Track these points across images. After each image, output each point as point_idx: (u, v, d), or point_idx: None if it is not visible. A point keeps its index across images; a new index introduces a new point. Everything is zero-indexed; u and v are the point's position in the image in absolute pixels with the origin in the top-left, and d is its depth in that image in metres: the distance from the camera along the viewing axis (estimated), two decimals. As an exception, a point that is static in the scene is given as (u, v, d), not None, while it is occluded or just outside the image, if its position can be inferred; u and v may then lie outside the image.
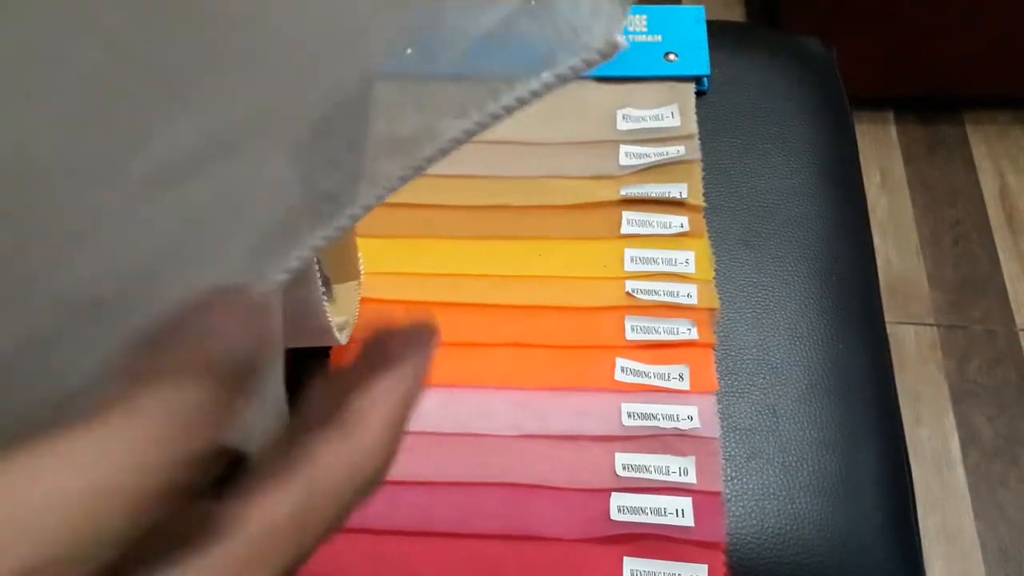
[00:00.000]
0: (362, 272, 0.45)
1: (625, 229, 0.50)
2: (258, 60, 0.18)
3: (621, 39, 0.18)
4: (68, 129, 0.17)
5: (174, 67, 0.17)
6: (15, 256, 0.18)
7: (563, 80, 0.19)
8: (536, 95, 0.19)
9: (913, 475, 0.48)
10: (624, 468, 0.42)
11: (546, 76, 0.18)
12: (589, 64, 0.18)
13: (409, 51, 0.19)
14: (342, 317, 0.42)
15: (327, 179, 0.20)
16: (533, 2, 0.18)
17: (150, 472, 0.16)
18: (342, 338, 0.42)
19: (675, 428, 0.43)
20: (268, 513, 0.17)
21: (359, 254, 0.45)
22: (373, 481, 0.20)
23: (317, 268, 0.34)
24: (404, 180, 0.20)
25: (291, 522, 0.18)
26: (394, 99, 0.19)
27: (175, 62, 0.17)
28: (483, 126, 0.19)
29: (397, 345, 0.21)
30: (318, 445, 0.19)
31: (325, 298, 0.37)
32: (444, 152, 0.20)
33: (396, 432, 0.20)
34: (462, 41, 0.19)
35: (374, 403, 0.20)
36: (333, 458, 0.19)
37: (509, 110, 0.19)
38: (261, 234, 0.20)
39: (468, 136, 0.20)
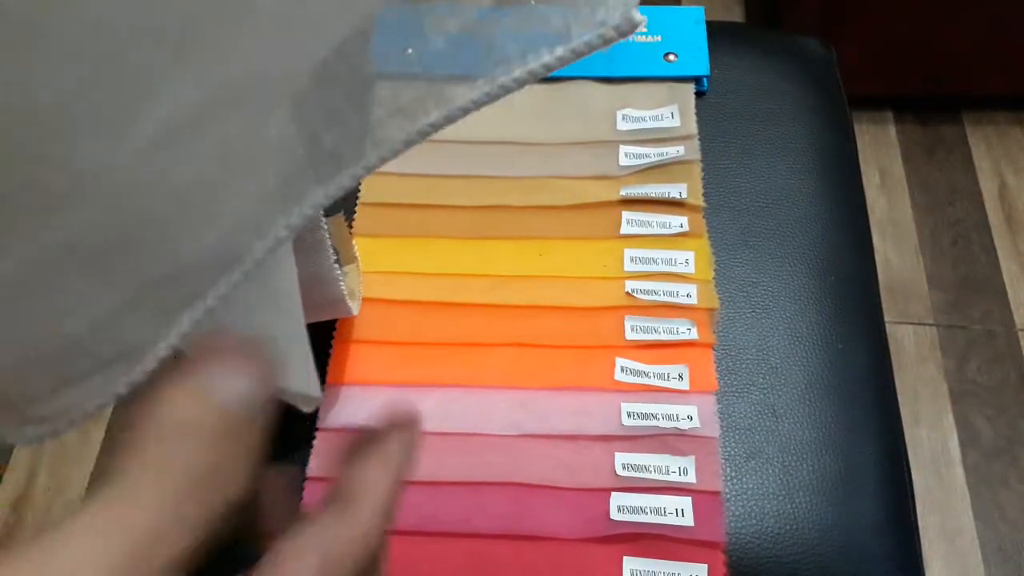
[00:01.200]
0: (358, 257, 0.46)
1: (625, 229, 0.50)
2: (257, 10, 0.18)
3: (638, 15, 0.18)
4: (76, 83, 0.17)
5: (176, 24, 0.17)
6: (19, 196, 0.18)
7: (577, 55, 0.18)
8: (549, 68, 0.19)
9: (912, 475, 0.48)
10: (624, 468, 0.42)
11: (560, 51, 0.18)
12: (606, 40, 0.18)
13: (416, 22, 0.19)
14: (351, 287, 0.42)
15: (329, 135, 0.20)
16: None
17: (175, 534, 0.19)
18: (354, 308, 0.42)
19: (675, 428, 0.43)
20: None
21: (353, 241, 0.46)
22: (368, 558, 0.22)
23: (328, 238, 0.35)
24: (408, 144, 0.20)
25: None
26: (401, 63, 0.19)
27: (177, 18, 0.17)
28: (492, 96, 0.19)
29: (385, 436, 0.24)
30: (325, 523, 0.23)
31: (338, 268, 0.38)
32: (450, 119, 0.20)
33: (387, 514, 0.23)
34: (473, 11, 0.19)
35: (367, 489, 0.23)
36: (337, 534, 0.22)
37: (520, 82, 0.19)
38: (265, 189, 0.20)
39: (476, 105, 0.19)
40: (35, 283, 0.20)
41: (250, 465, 0.20)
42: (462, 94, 0.19)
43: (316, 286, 0.37)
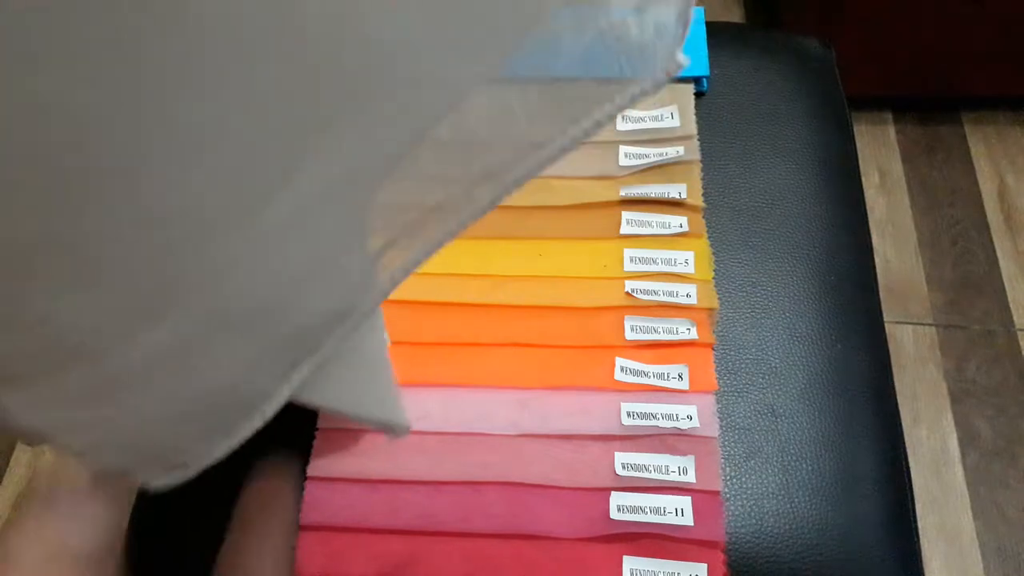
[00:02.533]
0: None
1: (625, 229, 0.50)
2: (378, 101, 0.19)
3: (683, 57, 0.19)
4: (222, 185, 0.19)
5: (312, 117, 0.19)
6: (171, 281, 0.21)
7: (634, 100, 0.20)
8: (611, 117, 0.20)
9: (912, 475, 0.48)
10: (623, 467, 0.42)
11: (619, 99, 0.20)
12: (658, 86, 0.19)
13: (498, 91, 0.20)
14: None
15: (417, 207, 0.22)
16: (606, 25, 0.19)
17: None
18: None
19: (674, 427, 0.43)
20: None
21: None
22: None
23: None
24: (494, 204, 0.22)
25: None
26: (485, 134, 0.21)
27: (316, 112, 0.19)
28: (565, 149, 0.21)
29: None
30: None
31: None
32: (531, 175, 0.21)
33: None
34: (547, 71, 0.20)
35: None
36: None
37: (588, 133, 0.20)
38: (371, 250, 0.22)
39: (552, 159, 0.21)
40: (188, 347, 0.22)
41: None
42: (539, 155, 0.21)
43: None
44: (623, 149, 0.53)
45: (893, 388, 0.50)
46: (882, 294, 0.54)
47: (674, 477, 0.42)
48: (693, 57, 0.57)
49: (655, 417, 0.44)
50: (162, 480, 0.26)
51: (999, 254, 1.10)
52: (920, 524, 0.47)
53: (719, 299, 0.48)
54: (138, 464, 0.26)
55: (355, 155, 0.20)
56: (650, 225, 0.50)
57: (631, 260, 0.49)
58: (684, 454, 0.42)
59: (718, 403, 0.45)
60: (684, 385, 0.45)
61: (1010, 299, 1.07)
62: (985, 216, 1.13)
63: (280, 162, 0.19)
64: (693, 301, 0.47)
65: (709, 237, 0.50)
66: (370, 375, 0.32)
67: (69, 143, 0.17)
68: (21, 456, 0.98)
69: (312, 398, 0.29)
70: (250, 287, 0.22)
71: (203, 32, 0.16)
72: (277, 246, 0.21)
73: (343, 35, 0.18)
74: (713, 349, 0.46)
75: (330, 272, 0.22)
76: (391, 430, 0.35)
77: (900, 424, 0.49)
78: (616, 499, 0.41)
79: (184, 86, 0.17)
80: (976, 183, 1.16)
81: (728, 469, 0.43)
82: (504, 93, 0.20)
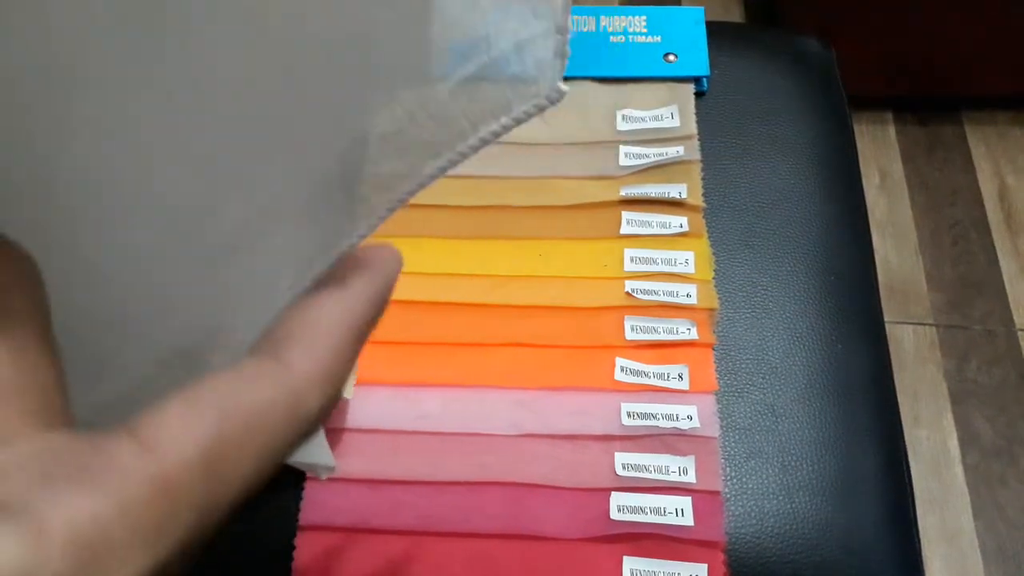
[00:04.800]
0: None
1: (625, 229, 0.50)
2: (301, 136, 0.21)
3: (564, 86, 0.22)
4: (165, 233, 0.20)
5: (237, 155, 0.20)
6: (115, 323, 0.21)
7: (518, 122, 0.23)
8: (496, 135, 0.23)
9: (912, 475, 0.48)
10: (624, 467, 0.42)
11: (504, 120, 0.22)
12: (540, 108, 0.22)
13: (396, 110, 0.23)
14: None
15: (331, 222, 0.23)
16: (488, 59, 0.22)
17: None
18: (347, 393, 0.42)
19: (675, 428, 0.43)
20: (175, 446, 0.15)
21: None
22: (315, 412, 0.17)
23: None
24: (391, 211, 0.23)
25: (201, 456, 0.15)
26: (379, 147, 0.23)
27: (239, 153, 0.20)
28: (453, 163, 0.23)
29: (351, 267, 0.20)
30: (239, 374, 0.17)
31: None
32: (422, 186, 0.23)
33: (341, 358, 0.18)
34: (436, 97, 0.22)
35: (310, 330, 0.18)
36: (256, 387, 0.16)
37: (474, 148, 0.23)
38: (291, 278, 0.23)
39: (441, 172, 0.23)
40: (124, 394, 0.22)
41: None
42: (430, 164, 0.23)
43: None
44: (623, 149, 0.53)
45: (893, 388, 0.50)
46: (882, 294, 0.54)
47: (674, 477, 0.42)
48: (693, 57, 0.57)
49: (655, 417, 0.44)
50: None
51: (999, 254, 1.10)
52: (920, 524, 0.46)
53: (719, 299, 0.48)
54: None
55: (280, 194, 0.21)
56: (650, 225, 0.50)
57: (631, 260, 0.49)
58: (684, 454, 0.42)
59: (718, 403, 0.45)
60: (684, 385, 0.45)
61: (1010, 299, 1.07)
62: (985, 216, 1.13)
63: (212, 192, 0.20)
64: (693, 301, 0.47)
65: (709, 237, 0.50)
66: None
67: None
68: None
69: None
70: (189, 323, 0.22)
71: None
72: (214, 277, 0.21)
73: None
74: (713, 349, 0.46)
75: (254, 305, 0.23)
76: (315, 471, 0.36)
77: (900, 424, 0.49)
78: (616, 499, 0.41)
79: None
80: (976, 183, 1.16)
81: (728, 469, 0.43)
82: (394, 112, 0.22)
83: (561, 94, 0.21)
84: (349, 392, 0.43)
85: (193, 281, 0.21)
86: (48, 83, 0.17)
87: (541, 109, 0.22)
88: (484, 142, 0.23)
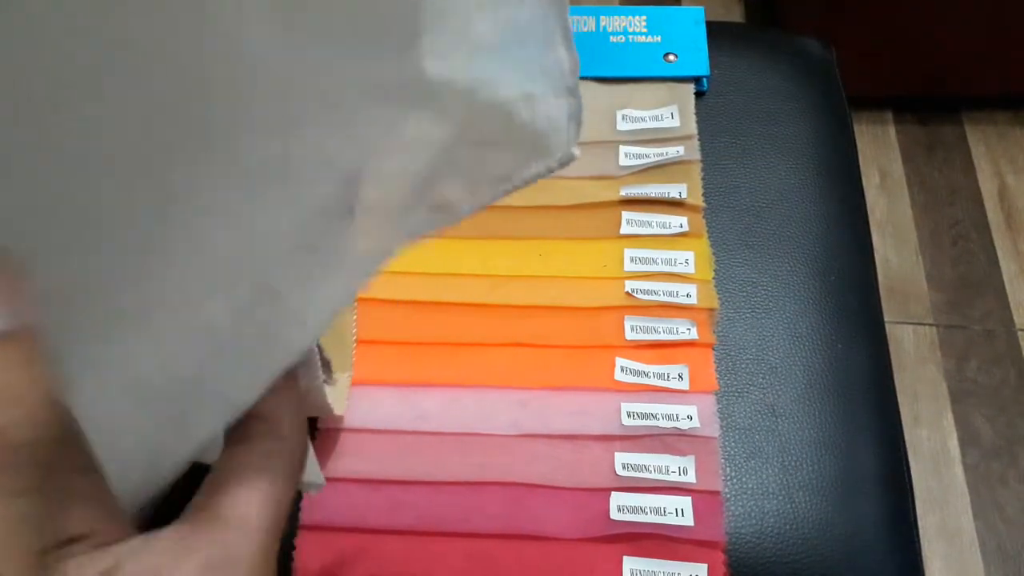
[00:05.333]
0: (352, 365, 0.46)
1: (625, 229, 0.50)
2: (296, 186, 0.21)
3: (576, 150, 0.23)
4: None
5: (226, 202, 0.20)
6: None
7: (527, 182, 0.24)
8: (507, 191, 0.24)
9: (912, 474, 0.48)
10: (624, 467, 0.42)
11: (516, 179, 0.23)
12: (550, 170, 0.23)
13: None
14: (340, 390, 0.43)
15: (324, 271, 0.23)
16: (498, 105, 0.22)
17: None
18: (337, 410, 0.42)
19: (675, 428, 0.43)
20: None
21: (354, 346, 0.46)
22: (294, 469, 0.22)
23: (317, 355, 0.37)
24: (385, 263, 0.24)
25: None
26: (403, 201, 0.23)
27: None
28: (464, 215, 0.24)
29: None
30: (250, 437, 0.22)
31: (326, 381, 0.39)
32: (432, 235, 0.24)
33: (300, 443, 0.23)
34: (452, 153, 0.23)
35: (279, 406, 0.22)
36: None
37: (484, 204, 0.24)
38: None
39: (453, 222, 0.24)
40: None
41: None
42: (442, 218, 0.24)
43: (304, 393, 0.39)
44: (623, 149, 0.53)
45: (893, 388, 0.50)
46: (882, 294, 0.54)
47: (674, 477, 0.42)
48: (693, 57, 0.57)
49: (655, 417, 0.44)
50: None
51: (999, 254, 1.10)
52: (920, 524, 0.47)
53: (719, 299, 0.48)
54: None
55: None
56: (650, 225, 0.50)
57: (631, 260, 0.49)
58: (684, 454, 0.42)
59: (718, 403, 0.45)
60: (684, 385, 0.45)
61: (1010, 299, 1.07)
62: (985, 216, 1.13)
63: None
64: (693, 301, 0.47)
65: (709, 237, 0.50)
66: None
67: None
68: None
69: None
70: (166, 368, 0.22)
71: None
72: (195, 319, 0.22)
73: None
74: (713, 349, 0.46)
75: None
76: (306, 488, 0.37)
77: (900, 424, 0.49)
78: (616, 499, 0.41)
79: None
80: (976, 183, 1.16)
81: (728, 469, 0.43)
82: (404, 157, 0.23)
83: (573, 158, 0.22)
84: (340, 408, 0.42)
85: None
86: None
87: (551, 170, 0.23)
88: (495, 198, 0.23)
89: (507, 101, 0.22)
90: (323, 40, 0.20)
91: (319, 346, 0.38)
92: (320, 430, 0.44)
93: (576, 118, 0.22)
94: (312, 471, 0.35)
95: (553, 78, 0.22)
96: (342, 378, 0.44)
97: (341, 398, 0.43)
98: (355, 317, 0.46)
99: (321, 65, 0.20)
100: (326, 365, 0.41)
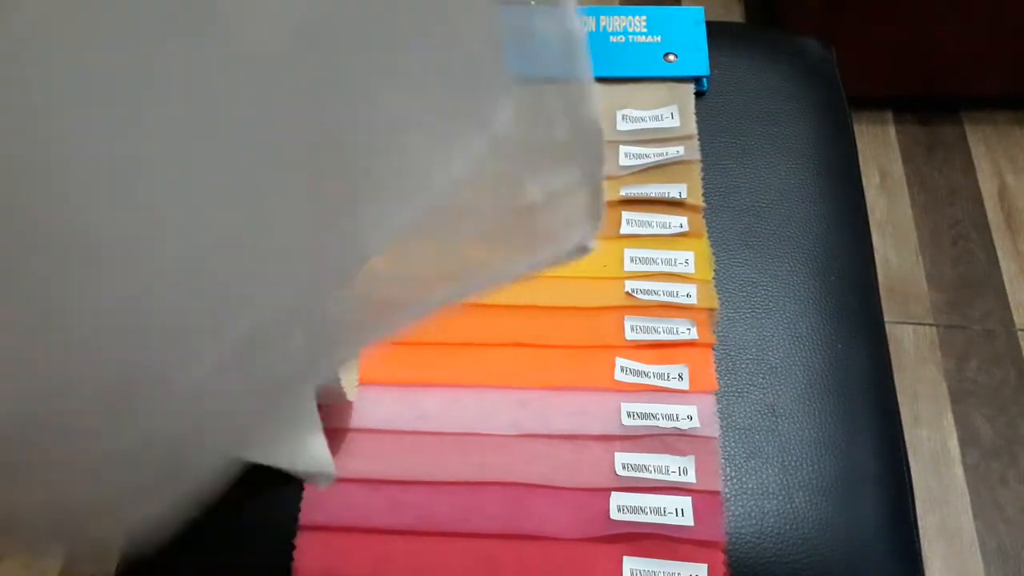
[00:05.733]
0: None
1: (625, 229, 0.50)
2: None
3: (592, 244, 0.23)
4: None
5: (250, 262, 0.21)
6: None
7: (537, 269, 0.24)
8: (516, 278, 0.24)
9: (912, 474, 0.48)
10: (624, 467, 0.42)
11: (525, 266, 0.24)
12: (560, 260, 0.23)
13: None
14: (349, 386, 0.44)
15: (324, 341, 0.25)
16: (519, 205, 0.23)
17: None
18: (350, 396, 0.43)
19: (675, 428, 0.43)
20: None
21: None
22: None
23: None
24: (395, 332, 0.25)
25: None
26: (397, 273, 0.24)
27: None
28: (465, 295, 0.25)
29: None
30: None
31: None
32: (427, 313, 0.25)
33: None
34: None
35: None
36: None
37: (495, 285, 0.25)
38: (272, 394, 0.25)
39: (448, 302, 0.25)
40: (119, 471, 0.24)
41: None
42: (439, 294, 0.24)
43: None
44: (623, 149, 0.53)
45: (893, 388, 0.50)
46: (882, 294, 0.54)
47: (674, 477, 0.42)
48: (693, 57, 0.57)
49: (655, 417, 0.44)
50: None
51: (999, 254, 1.10)
52: (920, 524, 0.47)
53: (719, 299, 0.48)
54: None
55: (280, 303, 0.22)
56: (650, 225, 0.50)
57: (631, 260, 0.49)
58: (684, 454, 0.42)
59: (718, 403, 0.44)
60: (684, 385, 0.45)
61: (1010, 299, 1.07)
62: (985, 216, 1.13)
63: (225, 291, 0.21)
64: (693, 301, 0.47)
65: (709, 237, 0.50)
66: (299, 435, 0.34)
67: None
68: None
69: (243, 455, 0.31)
70: (178, 420, 0.23)
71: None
72: (191, 394, 0.23)
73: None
74: (713, 349, 0.46)
75: (241, 412, 0.25)
76: (315, 481, 0.38)
77: (900, 424, 0.49)
78: (616, 499, 0.41)
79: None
80: (976, 183, 1.16)
81: (728, 469, 0.43)
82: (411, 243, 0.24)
83: (585, 252, 0.23)
84: (352, 394, 0.43)
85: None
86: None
87: (561, 261, 0.23)
88: (504, 282, 0.24)
89: (532, 206, 0.23)
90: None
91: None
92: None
93: (596, 215, 0.24)
94: (322, 462, 0.35)
95: (579, 166, 0.23)
96: (350, 365, 0.44)
97: (352, 385, 0.43)
98: None
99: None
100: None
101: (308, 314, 0.23)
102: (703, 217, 0.50)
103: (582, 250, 0.23)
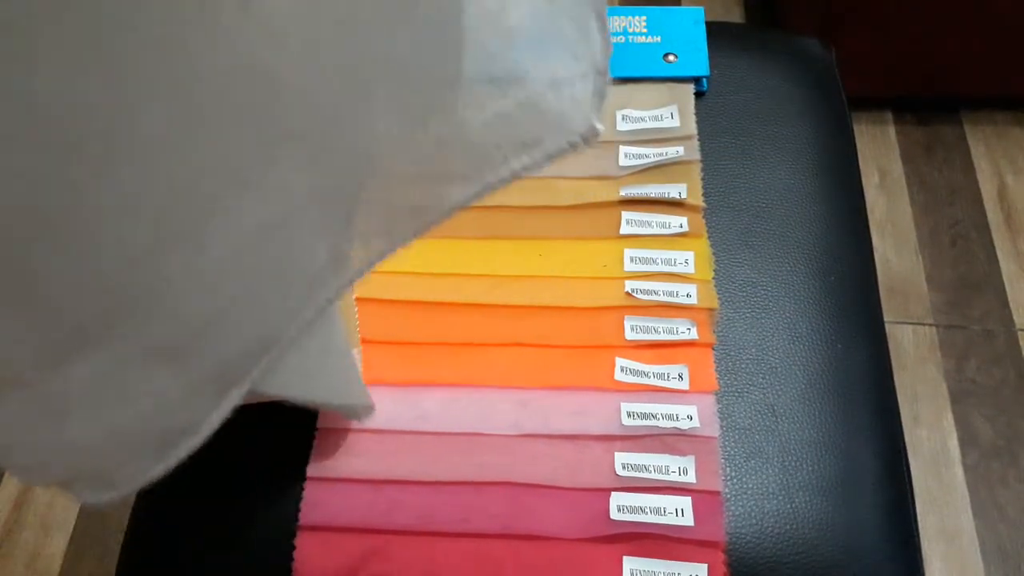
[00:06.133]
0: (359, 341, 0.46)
1: (625, 229, 0.50)
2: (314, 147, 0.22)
3: (599, 125, 0.23)
4: (176, 193, 0.21)
5: (246, 156, 0.21)
6: (108, 307, 0.22)
7: (550, 158, 0.23)
8: (528, 170, 0.23)
9: (912, 475, 0.48)
10: (624, 467, 0.42)
11: (536, 154, 0.23)
12: (573, 145, 0.23)
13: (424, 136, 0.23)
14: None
15: (348, 244, 0.24)
16: (524, 96, 0.22)
17: None
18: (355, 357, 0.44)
19: (675, 428, 0.43)
20: None
21: (357, 323, 0.46)
22: None
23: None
24: (417, 235, 0.25)
25: None
26: (411, 173, 0.23)
27: (249, 151, 0.21)
28: (480, 194, 0.24)
29: None
30: None
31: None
32: (447, 215, 0.25)
33: None
34: (470, 128, 0.23)
35: None
36: None
37: (504, 181, 0.24)
38: (298, 288, 0.24)
39: (468, 201, 0.24)
40: (119, 377, 0.23)
41: None
42: (457, 192, 0.24)
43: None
44: (623, 149, 0.53)
45: (893, 388, 0.50)
46: (882, 294, 0.54)
47: (674, 477, 0.42)
48: (693, 57, 0.57)
49: (655, 417, 0.44)
50: (94, 498, 0.28)
51: (999, 254, 1.10)
52: (920, 524, 0.47)
53: (719, 299, 0.48)
54: (74, 482, 0.27)
55: (284, 203, 0.22)
56: (650, 225, 0.50)
57: (631, 260, 0.49)
58: (684, 454, 0.42)
59: (718, 403, 0.45)
60: (684, 385, 0.45)
61: (1010, 299, 1.07)
62: (985, 216, 1.13)
63: (233, 176, 0.21)
64: (693, 301, 0.47)
65: (709, 237, 0.50)
66: (330, 364, 0.34)
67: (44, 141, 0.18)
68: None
69: (271, 390, 0.30)
70: (184, 313, 0.23)
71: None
72: (216, 268, 0.23)
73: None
74: (713, 349, 0.46)
75: (260, 307, 0.24)
76: (354, 413, 0.37)
77: (900, 424, 0.49)
78: (616, 499, 0.41)
79: (152, 96, 0.18)
80: (976, 183, 1.16)
81: (728, 469, 0.43)
82: (425, 142, 0.23)
83: (596, 132, 0.23)
84: (356, 353, 0.43)
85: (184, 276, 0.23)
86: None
87: (573, 146, 0.23)
88: (515, 175, 0.24)
89: (536, 93, 0.22)
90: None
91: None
92: (320, 430, 0.44)
93: (601, 93, 0.23)
94: (359, 392, 0.36)
95: (583, 61, 0.23)
96: (355, 353, 0.44)
97: (355, 343, 0.44)
98: (355, 297, 0.46)
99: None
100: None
101: (327, 207, 0.23)
102: (703, 217, 0.50)
103: (591, 133, 0.23)
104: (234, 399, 0.26)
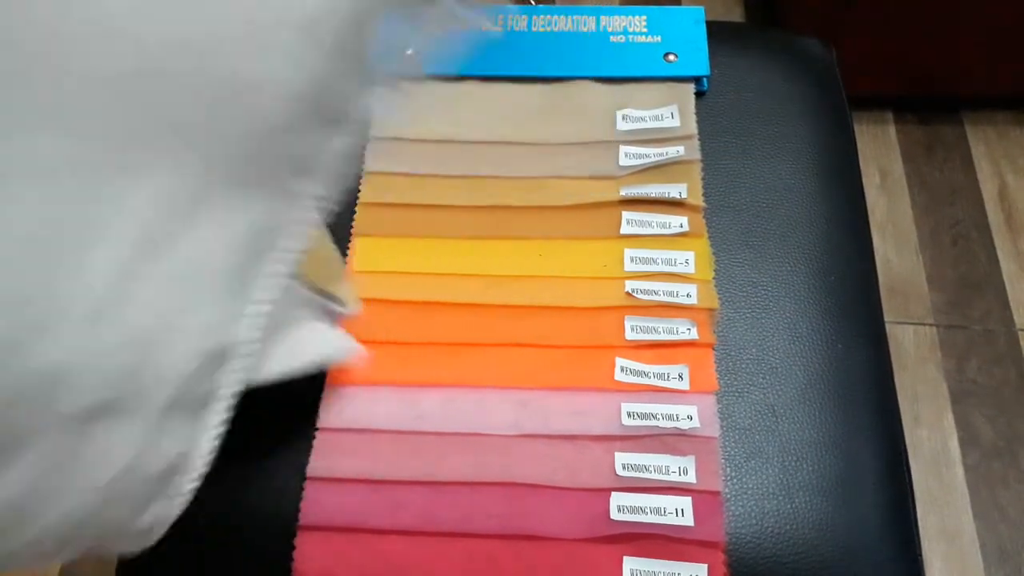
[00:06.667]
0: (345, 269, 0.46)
1: (625, 229, 0.50)
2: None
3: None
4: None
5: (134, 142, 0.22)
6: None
7: None
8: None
9: (912, 475, 0.48)
10: (624, 468, 0.42)
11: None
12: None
13: None
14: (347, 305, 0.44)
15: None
16: None
17: None
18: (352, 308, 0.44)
19: (675, 428, 0.43)
20: None
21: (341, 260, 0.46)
22: None
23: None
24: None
25: None
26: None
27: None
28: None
29: None
30: None
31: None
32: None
33: None
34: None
35: None
36: None
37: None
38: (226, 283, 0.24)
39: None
40: (73, 450, 0.23)
41: None
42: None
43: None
44: (623, 149, 0.53)
45: (893, 388, 0.50)
46: (882, 294, 0.54)
47: (674, 477, 0.42)
48: (693, 57, 0.57)
49: (655, 417, 0.44)
50: (136, 548, 0.27)
51: (999, 254, 1.10)
52: (920, 524, 0.46)
53: (719, 299, 0.48)
54: (106, 544, 0.27)
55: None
56: (650, 225, 0.50)
57: (631, 260, 0.49)
58: (684, 454, 0.42)
59: (718, 403, 0.44)
60: (684, 385, 0.45)
61: (1010, 299, 1.07)
62: (985, 216, 1.13)
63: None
64: (693, 301, 0.47)
65: (709, 237, 0.50)
66: (307, 325, 0.33)
67: None
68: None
69: (270, 375, 0.30)
70: (104, 366, 0.22)
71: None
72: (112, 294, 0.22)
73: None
74: (713, 349, 0.46)
75: (185, 310, 0.23)
76: (349, 305, 0.37)
77: (900, 424, 0.49)
78: (616, 499, 0.41)
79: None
80: (976, 183, 1.16)
81: (728, 469, 0.43)
82: None
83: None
84: (353, 306, 0.43)
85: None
86: None
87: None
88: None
89: None
90: None
91: (320, 290, 0.38)
92: (320, 430, 0.44)
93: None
94: (342, 343, 0.35)
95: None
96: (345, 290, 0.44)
97: (352, 298, 0.44)
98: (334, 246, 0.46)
99: None
100: (331, 298, 0.42)
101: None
102: (703, 217, 0.50)
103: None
104: (218, 423, 0.25)
